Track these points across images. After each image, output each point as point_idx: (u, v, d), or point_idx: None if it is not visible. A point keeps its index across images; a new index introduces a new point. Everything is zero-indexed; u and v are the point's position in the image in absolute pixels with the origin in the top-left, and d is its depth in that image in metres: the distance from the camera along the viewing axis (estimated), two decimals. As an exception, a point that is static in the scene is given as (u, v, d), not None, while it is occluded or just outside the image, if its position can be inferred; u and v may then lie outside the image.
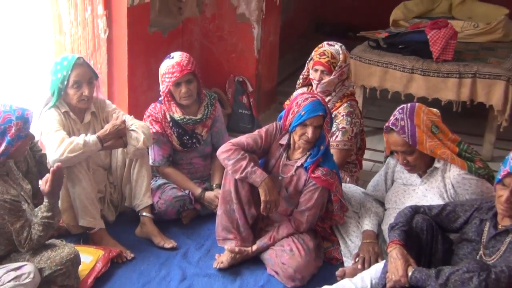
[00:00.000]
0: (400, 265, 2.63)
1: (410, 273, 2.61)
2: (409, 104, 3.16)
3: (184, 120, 3.66)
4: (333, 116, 3.73)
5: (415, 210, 2.91)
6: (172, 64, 3.54)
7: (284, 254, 3.15)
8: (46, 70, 3.43)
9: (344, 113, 3.76)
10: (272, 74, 5.43)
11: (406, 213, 2.89)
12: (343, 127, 3.73)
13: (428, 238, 2.83)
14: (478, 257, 2.69)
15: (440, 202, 3.05)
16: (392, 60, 4.86)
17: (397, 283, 2.63)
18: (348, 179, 3.80)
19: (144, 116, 3.70)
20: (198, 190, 3.66)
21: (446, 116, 3.30)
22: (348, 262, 3.25)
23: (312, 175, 3.19)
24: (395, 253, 2.68)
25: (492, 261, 2.58)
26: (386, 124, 3.15)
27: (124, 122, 3.37)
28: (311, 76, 3.82)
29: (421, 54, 4.82)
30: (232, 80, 5.05)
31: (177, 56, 3.57)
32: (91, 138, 3.23)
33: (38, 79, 3.81)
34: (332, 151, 3.65)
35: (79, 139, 3.18)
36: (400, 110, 3.13)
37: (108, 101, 3.62)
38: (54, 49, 4.05)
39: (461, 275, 2.46)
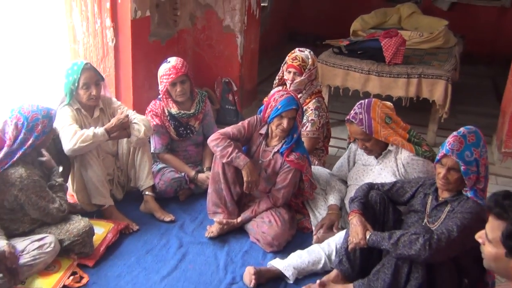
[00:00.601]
0: (360, 230, 2.65)
1: (367, 236, 2.63)
2: (366, 100, 3.18)
3: (180, 114, 3.64)
4: (304, 110, 3.75)
5: (371, 186, 2.94)
6: (168, 67, 3.52)
7: (264, 225, 3.16)
8: (60, 75, 3.40)
9: (313, 108, 3.76)
10: (253, 76, 5.42)
11: (363, 188, 2.91)
12: (312, 119, 3.74)
13: (381, 209, 2.85)
14: (423, 224, 2.72)
15: (393, 179, 3.08)
16: (352, 63, 4.88)
17: (357, 245, 2.65)
18: (316, 162, 3.82)
19: (146, 112, 3.67)
20: (192, 173, 3.65)
21: (397, 110, 3.33)
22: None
23: (287, 159, 3.20)
24: (355, 220, 2.70)
25: (435, 227, 2.61)
26: (347, 117, 3.17)
27: (127, 116, 3.34)
28: (285, 77, 3.82)
29: (376, 59, 4.84)
30: (220, 80, 5.04)
31: (173, 61, 3.55)
32: (100, 130, 3.21)
33: (56, 82, 3.78)
34: (303, 139, 3.67)
35: (89, 131, 3.16)
36: (359, 105, 3.15)
37: (114, 99, 3.59)
38: (69, 55, 4.01)
39: (409, 236, 2.49)
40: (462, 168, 2.52)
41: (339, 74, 4.91)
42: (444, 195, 2.68)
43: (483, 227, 1.83)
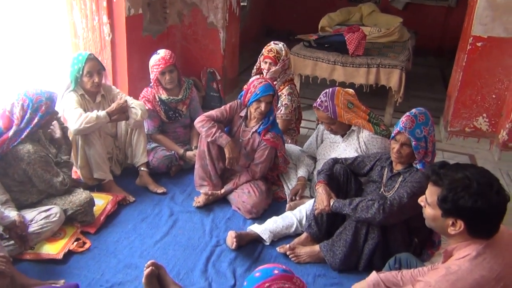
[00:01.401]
0: (325, 198, 2.66)
1: (331, 203, 2.65)
2: (330, 89, 3.17)
3: (169, 99, 3.58)
4: (278, 95, 3.72)
5: (335, 160, 2.94)
6: (158, 58, 3.46)
7: (244, 195, 3.15)
8: (66, 64, 3.32)
9: (286, 93, 3.74)
10: (234, 66, 5.36)
11: (329, 162, 2.92)
12: (285, 104, 3.72)
13: (344, 180, 2.87)
14: (380, 192, 2.74)
15: (356, 154, 3.09)
16: (320, 55, 4.84)
17: (322, 210, 2.67)
18: (289, 140, 3.81)
19: (139, 98, 3.60)
20: (181, 151, 3.61)
21: (359, 96, 3.32)
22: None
23: (264, 138, 3.19)
24: (321, 189, 2.71)
25: (389, 195, 2.63)
26: (315, 104, 3.17)
27: (126, 101, 3.29)
28: (262, 67, 3.78)
29: (341, 51, 4.81)
30: (205, 71, 4.96)
31: (162, 52, 3.49)
32: (102, 113, 3.16)
33: (59, 71, 3.69)
34: (278, 121, 3.66)
35: (93, 114, 3.11)
36: (324, 94, 3.14)
37: (113, 87, 3.51)
38: (71, 49, 3.90)
39: (366, 202, 2.52)
40: (413, 143, 2.54)
41: (309, 65, 4.87)
42: (397, 167, 2.70)
43: (429, 194, 1.86)
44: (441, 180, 1.65)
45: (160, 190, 3.34)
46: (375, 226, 2.54)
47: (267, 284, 1.33)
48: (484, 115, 4.36)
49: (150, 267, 2.24)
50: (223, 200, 3.27)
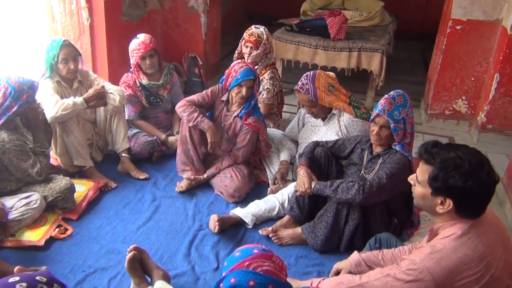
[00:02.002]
0: (306, 180, 2.69)
1: (313, 185, 2.67)
2: (311, 72, 3.18)
3: (150, 84, 3.55)
4: (260, 80, 3.72)
5: (316, 143, 2.96)
6: (138, 43, 3.42)
7: (226, 179, 3.16)
8: (42, 50, 3.25)
9: (268, 78, 3.73)
10: (216, 52, 5.32)
11: (310, 145, 2.94)
12: (267, 88, 3.71)
13: (325, 163, 2.90)
14: (360, 174, 2.77)
15: (337, 138, 3.11)
16: (302, 39, 4.83)
17: (303, 193, 2.70)
18: (272, 125, 3.81)
19: (119, 83, 3.56)
20: (163, 136, 3.59)
21: (340, 80, 3.34)
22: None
23: (245, 122, 3.19)
24: (302, 172, 2.73)
25: (370, 176, 2.66)
26: (296, 87, 3.17)
27: (103, 87, 3.25)
28: (243, 51, 3.77)
29: (322, 35, 4.80)
30: (187, 56, 4.92)
31: (142, 37, 3.44)
32: (79, 99, 3.11)
33: (37, 57, 3.62)
34: (260, 105, 3.66)
35: (69, 101, 3.07)
36: (305, 77, 3.15)
37: (91, 72, 3.47)
38: (49, 34, 3.83)
39: (346, 184, 2.55)
40: (391, 125, 2.57)
41: (291, 49, 4.86)
42: (377, 149, 2.73)
43: (408, 175, 1.88)
44: (433, 159, 1.65)
45: (142, 176, 3.33)
46: (355, 208, 2.57)
47: (246, 263, 1.34)
48: (463, 97, 4.42)
49: (133, 252, 2.25)
50: (206, 185, 3.27)
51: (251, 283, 1.30)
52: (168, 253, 2.63)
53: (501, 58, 3.93)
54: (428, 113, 4.59)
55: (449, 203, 1.63)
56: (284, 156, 3.39)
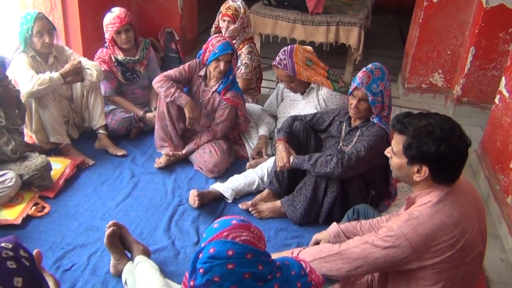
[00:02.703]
0: (285, 155, 2.69)
1: (291, 160, 2.68)
2: (289, 46, 3.15)
3: (126, 60, 3.47)
4: (238, 54, 3.68)
5: (295, 118, 2.96)
6: (113, 17, 3.33)
7: (205, 155, 3.15)
8: (14, 24, 3.15)
9: (246, 52, 3.69)
10: (193, 26, 5.21)
11: (288, 120, 2.94)
12: (245, 63, 3.68)
13: (304, 136, 2.90)
14: (339, 147, 2.79)
15: (315, 111, 3.11)
16: (280, 13, 4.76)
17: (282, 167, 2.70)
18: (250, 100, 3.79)
19: (94, 59, 3.47)
20: (140, 112, 3.53)
21: (319, 54, 3.32)
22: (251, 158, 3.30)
23: (223, 97, 3.17)
24: (280, 147, 2.74)
25: (348, 148, 2.68)
26: (273, 63, 3.15)
27: (80, 62, 3.17)
28: (220, 25, 3.71)
29: (300, 9, 4.74)
30: (163, 31, 4.82)
31: (117, 11, 3.35)
32: (55, 74, 3.04)
33: (7, 31, 3.50)
34: (238, 80, 3.63)
35: (46, 76, 2.99)
36: (282, 52, 3.13)
37: (66, 47, 3.37)
38: (19, 8, 3.69)
39: (325, 157, 2.56)
40: (370, 98, 2.58)
41: (269, 24, 4.80)
42: (355, 122, 2.75)
43: (385, 147, 1.90)
44: (406, 128, 1.68)
45: (120, 152, 3.29)
46: (334, 181, 2.59)
47: (225, 233, 1.35)
48: (440, 71, 4.45)
49: (111, 227, 2.24)
50: (185, 161, 3.26)
51: (230, 252, 1.30)
52: (148, 229, 2.62)
53: (476, 31, 3.96)
54: (405, 86, 4.62)
55: (425, 170, 1.66)
56: (263, 131, 3.38)
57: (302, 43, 4.56)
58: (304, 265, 1.52)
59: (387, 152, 1.85)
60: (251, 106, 3.63)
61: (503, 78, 3.24)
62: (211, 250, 1.31)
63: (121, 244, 2.30)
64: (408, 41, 4.85)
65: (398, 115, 1.76)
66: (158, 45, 4.83)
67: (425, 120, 1.67)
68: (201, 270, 1.31)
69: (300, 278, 1.45)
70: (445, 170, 1.66)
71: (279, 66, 3.09)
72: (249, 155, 3.31)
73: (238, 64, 3.68)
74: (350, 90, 2.66)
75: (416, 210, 1.69)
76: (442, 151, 1.60)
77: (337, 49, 4.98)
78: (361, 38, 4.59)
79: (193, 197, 2.76)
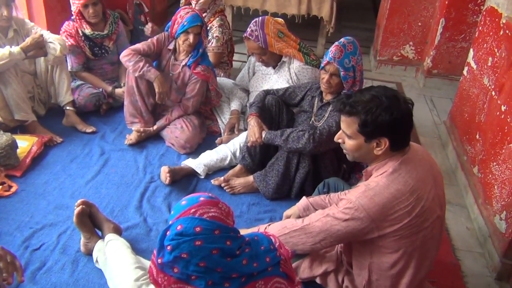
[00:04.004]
0: (256, 130, 2.68)
1: (263, 135, 2.67)
2: (260, 18, 3.10)
3: (94, 35, 3.35)
4: (208, 28, 3.61)
5: (267, 92, 2.93)
6: (79, -11, 3.20)
7: (177, 130, 3.10)
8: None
9: (217, 25, 3.62)
10: (163, -2, 5.09)
11: (260, 94, 2.91)
12: (216, 36, 3.61)
13: (276, 111, 2.88)
14: (311, 122, 2.78)
15: (287, 85, 3.09)
16: (252, -16, 4.69)
17: (254, 143, 2.69)
18: (222, 74, 3.74)
19: (60, 32, 3.34)
20: (109, 88, 3.44)
21: (291, 27, 3.28)
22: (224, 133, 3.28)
23: (194, 71, 3.11)
24: (252, 122, 2.72)
25: (320, 124, 2.68)
26: (245, 34, 3.10)
27: (42, 36, 3.04)
28: (189, -3, 3.63)
29: (272, -20, 4.68)
30: (131, 2, 4.66)
31: (84, -17, 3.22)
32: (15, 49, 2.91)
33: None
34: (209, 54, 3.57)
35: (5, 50, 2.86)
36: (254, 23, 3.08)
37: (27, 20, 3.23)
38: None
39: (297, 133, 2.55)
40: (341, 73, 2.56)
41: (240, -5, 4.72)
42: (327, 97, 2.74)
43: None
44: (355, 108, 1.69)
45: (89, 129, 3.22)
46: (305, 156, 2.60)
47: (192, 210, 1.33)
48: (411, 43, 4.48)
49: (81, 206, 2.20)
50: (156, 137, 3.21)
51: (198, 229, 1.29)
52: (119, 206, 2.59)
53: (446, 2, 3.98)
54: (377, 59, 4.63)
55: (384, 142, 1.69)
56: (234, 105, 3.35)
57: (274, 15, 4.51)
58: (273, 240, 1.52)
59: (338, 138, 1.85)
60: (223, 80, 3.58)
61: (471, 49, 3.27)
62: (179, 227, 1.30)
63: (91, 222, 2.26)
64: (380, 12, 4.84)
65: (339, 98, 1.80)
66: (126, 17, 4.68)
67: (367, 94, 1.70)
68: (168, 247, 1.30)
69: (269, 253, 1.45)
70: (401, 135, 1.70)
71: (250, 37, 3.04)
72: (221, 130, 3.28)
73: (209, 37, 3.61)
74: (322, 65, 2.64)
75: (372, 181, 1.73)
76: (395, 118, 1.64)
77: (309, 21, 4.94)
78: (333, 10, 4.57)
79: (164, 174, 2.73)
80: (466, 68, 3.33)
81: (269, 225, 2.07)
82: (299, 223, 1.87)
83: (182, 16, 2.99)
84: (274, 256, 1.46)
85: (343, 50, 2.55)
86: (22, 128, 3.09)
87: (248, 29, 3.06)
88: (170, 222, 1.35)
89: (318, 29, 4.86)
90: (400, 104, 1.67)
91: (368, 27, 5.74)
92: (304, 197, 2.22)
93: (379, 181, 1.70)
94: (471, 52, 3.25)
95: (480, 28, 3.16)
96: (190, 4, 3.65)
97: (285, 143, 2.57)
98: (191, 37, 2.99)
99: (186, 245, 1.28)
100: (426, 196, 1.70)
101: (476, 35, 3.23)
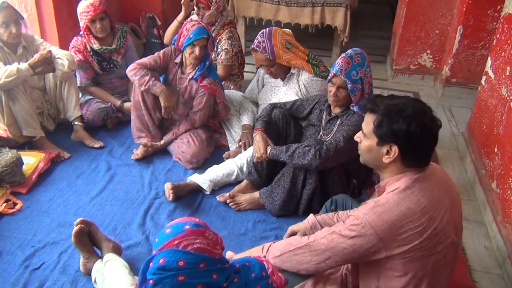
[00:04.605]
0: (262, 146, 2.61)
1: (268, 151, 2.59)
2: (267, 29, 3.05)
3: (102, 49, 3.34)
4: (217, 40, 3.57)
5: (274, 105, 2.87)
6: (87, 5, 3.19)
7: (183, 145, 3.06)
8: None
9: (226, 38, 3.57)
10: (176, 10, 4.98)
11: (267, 108, 2.84)
12: (225, 48, 3.56)
13: (283, 125, 2.81)
14: (319, 136, 2.70)
15: (296, 98, 3.02)
16: (263, -6, 4.63)
17: (259, 158, 2.62)
18: (232, 86, 3.69)
19: (69, 48, 3.36)
20: (118, 102, 3.42)
21: (305, 37, 3.20)
22: (232, 147, 3.21)
23: (200, 84, 3.07)
24: (258, 137, 2.65)
25: (328, 138, 2.60)
26: (252, 46, 3.04)
27: (50, 51, 3.05)
28: (196, 12, 3.59)
29: (284, -10, 4.62)
30: (144, 16, 4.69)
31: (91, -2, 3.23)
32: (23, 65, 2.92)
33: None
34: (219, 67, 3.55)
35: (13, 67, 2.87)
36: (261, 34, 3.02)
37: (36, 36, 3.25)
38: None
39: (303, 148, 2.47)
40: (349, 86, 2.48)
41: (252, 6, 4.65)
42: (335, 110, 2.65)
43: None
44: (378, 106, 1.64)
45: (97, 144, 3.20)
46: (312, 172, 2.51)
47: (176, 241, 1.27)
48: (428, 51, 4.34)
49: (79, 225, 2.16)
50: (164, 151, 3.17)
51: (181, 263, 1.23)
52: (122, 224, 2.55)
53: (464, 9, 3.84)
54: (394, 68, 4.50)
55: (395, 150, 1.61)
56: (246, 119, 3.28)
57: (287, 25, 4.46)
58: (266, 265, 1.44)
59: (357, 137, 1.79)
60: (232, 93, 3.52)
61: (489, 58, 3.13)
62: (161, 261, 1.24)
63: (91, 241, 2.23)
64: (396, 20, 4.72)
65: (369, 97, 1.71)
66: (139, 31, 4.71)
67: (396, 99, 1.64)
68: (151, 282, 1.24)
69: (260, 281, 1.38)
70: (415, 151, 1.61)
71: (257, 49, 2.99)
72: (229, 144, 3.22)
73: (218, 50, 3.57)
74: (329, 77, 2.56)
75: (382, 197, 1.64)
76: (412, 130, 1.56)
77: (323, 31, 4.85)
78: (347, 19, 4.46)
79: (168, 191, 2.68)
80: (484, 78, 3.18)
81: (273, 242, 1.99)
82: (304, 240, 1.79)
83: (188, 29, 2.96)
84: (266, 284, 1.39)
85: (350, 62, 2.46)
86: (30, 144, 3.10)
87: (255, 41, 3.01)
88: (154, 253, 1.29)
89: (332, 38, 4.76)
90: (424, 119, 1.58)
91: (385, 35, 5.60)
92: (311, 215, 2.13)
93: (389, 198, 1.61)
94: (489, 61, 3.11)
95: (498, 35, 3.02)
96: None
97: (290, 159, 2.49)
98: (197, 50, 2.95)
99: (169, 281, 1.22)
100: (440, 218, 1.59)
101: (494, 43, 3.09)
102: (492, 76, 3.02)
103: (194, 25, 2.97)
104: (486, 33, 3.88)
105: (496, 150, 2.77)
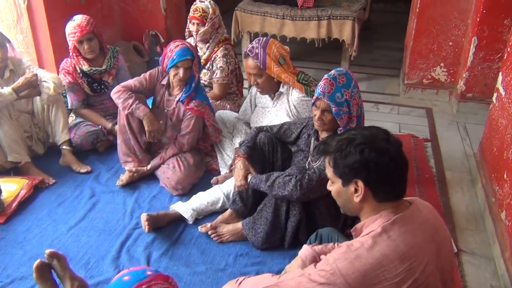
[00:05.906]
0: (242, 174, 2.44)
1: (249, 179, 2.42)
2: (264, 37, 2.88)
3: (91, 70, 3.26)
4: (212, 58, 3.45)
5: (259, 129, 2.70)
6: (73, 26, 3.13)
7: (168, 170, 2.92)
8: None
9: (221, 55, 3.44)
10: (179, 28, 4.95)
11: (251, 132, 2.68)
12: (221, 66, 3.43)
13: (270, 149, 2.63)
14: (307, 162, 2.51)
15: (288, 119, 2.84)
16: (268, 9, 4.49)
17: (240, 187, 2.46)
18: (228, 106, 3.54)
19: (59, 70, 3.31)
20: (109, 125, 3.32)
21: (311, 51, 3.02)
22: (223, 171, 3.06)
23: (187, 106, 2.94)
24: (239, 164, 2.49)
25: (317, 164, 2.40)
26: (245, 50, 2.87)
27: (36, 75, 3.00)
28: (190, 29, 3.48)
29: (289, 3, 4.47)
30: (147, 33, 4.62)
31: (78, 19, 3.14)
32: (7, 89, 2.88)
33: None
34: (215, 85, 3.43)
35: None
36: (257, 41, 2.85)
37: (24, 59, 3.20)
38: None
39: (283, 178, 2.29)
40: (333, 109, 2.28)
41: (257, 21, 4.53)
42: (323, 135, 2.45)
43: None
44: (329, 146, 1.53)
45: (84, 169, 3.11)
46: (295, 202, 2.32)
47: (143, 287, 1.15)
48: (442, 64, 4.07)
49: (39, 260, 2.03)
50: (151, 176, 3.04)
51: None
52: (96, 257, 2.42)
53: (478, 19, 3.57)
54: (405, 82, 4.25)
55: (361, 186, 1.46)
56: (239, 142, 3.12)
57: (293, 40, 4.30)
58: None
59: (329, 185, 1.62)
60: (225, 114, 3.37)
61: (500, 74, 2.87)
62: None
63: (58, 276, 2.10)
64: (407, 32, 4.48)
65: (316, 147, 1.56)
66: (142, 48, 4.64)
67: (346, 133, 1.53)
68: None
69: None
70: (381, 180, 1.45)
71: (250, 54, 2.81)
72: (220, 169, 3.07)
73: (214, 68, 3.44)
74: (312, 100, 2.37)
75: (357, 241, 1.45)
76: (366, 156, 1.43)
77: (332, 44, 4.66)
78: (355, 32, 4.27)
79: (143, 222, 2.53)
80: (495, 95, 2.92)
81: (244, 278, 1.81)
82: (274, 279, 1.61)
83: (171, 50, 2.84)
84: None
85: (333, 84, 2.27)
86: (16, 169, 3.04)
87: (249, 45, 2.84)
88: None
89: (340, 52, 4.56)
90: (377, 142, 1.45)
91: (401, 47, 5.35)
92: (305, 246, 1.91)
93: (364, 242, 1.42)
94: (500, 77, 2.85)
95: (509, 49, 2.76)
96: (193, 36, 3.51)
97: (270, 189, 2.31)
98: (181, 72, 2.83)
99: None
100: (421, 268, 1.40)
101: (505, 57, 2.82)
102: (503, 93, 2.76)
103: (177, 45, 2.84)
104: (503, 45, 3.59)
105: (505, 176, 2.50)
